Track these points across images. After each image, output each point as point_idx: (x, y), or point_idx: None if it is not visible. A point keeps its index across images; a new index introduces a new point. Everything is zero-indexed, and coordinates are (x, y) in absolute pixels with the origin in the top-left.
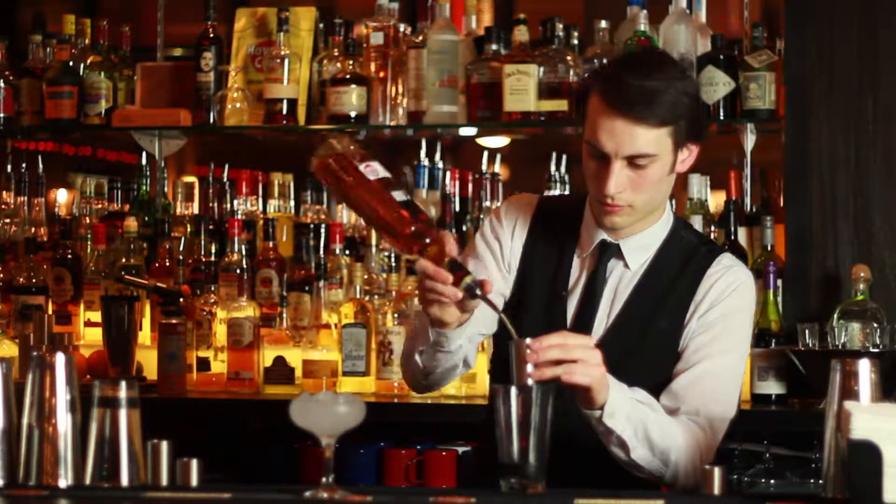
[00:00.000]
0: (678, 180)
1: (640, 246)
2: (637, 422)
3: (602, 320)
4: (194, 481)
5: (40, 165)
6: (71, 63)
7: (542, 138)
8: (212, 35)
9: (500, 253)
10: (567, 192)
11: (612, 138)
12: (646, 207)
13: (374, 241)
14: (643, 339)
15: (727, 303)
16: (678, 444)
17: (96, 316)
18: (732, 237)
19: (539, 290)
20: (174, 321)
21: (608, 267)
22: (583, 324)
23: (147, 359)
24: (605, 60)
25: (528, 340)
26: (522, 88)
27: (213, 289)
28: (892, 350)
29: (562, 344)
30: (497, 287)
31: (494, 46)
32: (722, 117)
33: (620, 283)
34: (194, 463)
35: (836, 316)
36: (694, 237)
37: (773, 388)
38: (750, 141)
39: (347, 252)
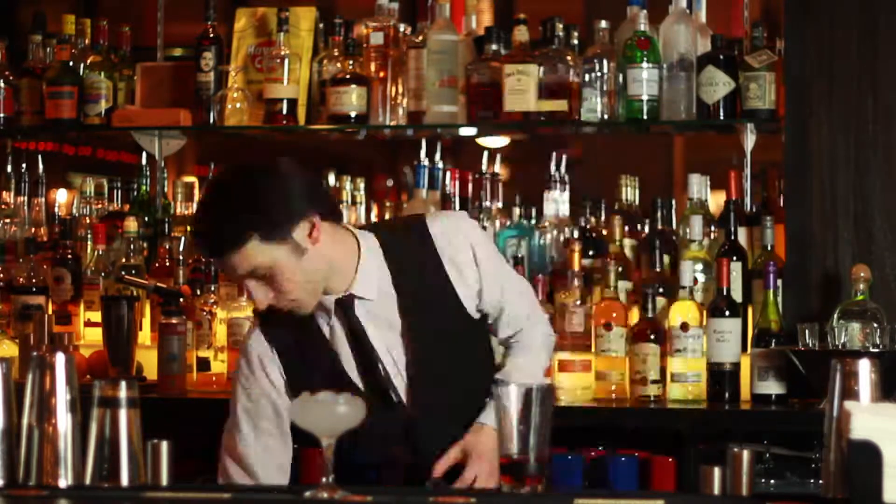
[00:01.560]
0: (678, 180)
1: (370, 277)
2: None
3: (389, 359)
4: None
5: (40, 165)
6: (71, 63)
7: (542, 138)
8: (212, 35)
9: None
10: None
11: (224, 270)
12: (312, 292)
13: None
14: (442, 331)
15: (467, 250)
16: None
17: (96, 316)
18: (732, 237)
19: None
20: (174, 321)
21: (359, 315)
22: (376, 379)
23: (147, 359)
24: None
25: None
26: (522, 88)
27: (213, 289)
28: (892, 350)
29: (488, 472)
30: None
31: (494, 46)
32: (722, 117)
33: (386, 312)
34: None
35: (836, 316)
36: (397, 230)
37: (773, 388)
38: (750, 141)
39: None
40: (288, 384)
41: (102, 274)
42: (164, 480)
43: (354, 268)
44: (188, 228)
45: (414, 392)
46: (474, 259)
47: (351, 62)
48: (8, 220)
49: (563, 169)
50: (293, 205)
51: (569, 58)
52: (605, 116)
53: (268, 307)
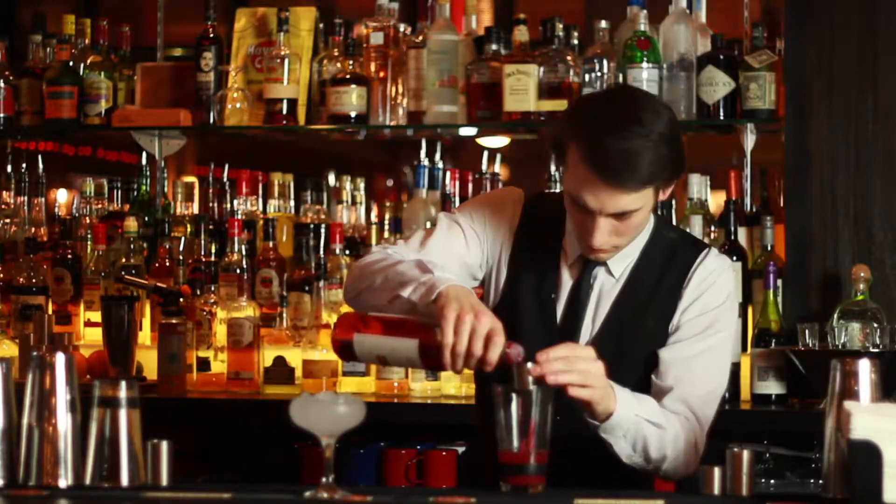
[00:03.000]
0: (679, 180)
1: (622, 255)
2: (636, 437)
3: (588, 326)
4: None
5: (40, 165)
6: (71, 63)
7: (542, 138)
8: (212, 35)
9: (484, 242)
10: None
11: (595, 199)
12: (634, 239)
13: (374, 241)
14: (630, 341)
15: (706, 298)
16: (673, 451)
17: (96, 316)
18: (732, 237)
19: (529, 293)
20: (174, 321)
21: (592, 275)
22: (570, 329)
23: (147, 359)
24: (582, 109)
25: (527, 355)
26: (522, 88)
27: (213, 289)
28: (892, 350)
29: (565, 356)
30: (472, 261)
31: (494, 46)
32: (722, 117)
33: (604, 289)
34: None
35: (836, 316)
36: (675, 235)
37: (773, 388)
38: (750, 141)
39: (347, 252)
40: (505, 259)
41: (102, 274)
42: (164, 480)
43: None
44: (187, 228)
45: None
46: (705, 313)
47: (351, 62)
48: (8, 220)
49: (563, 169)
50: (684, 162)
51: (569, 58)
52: None
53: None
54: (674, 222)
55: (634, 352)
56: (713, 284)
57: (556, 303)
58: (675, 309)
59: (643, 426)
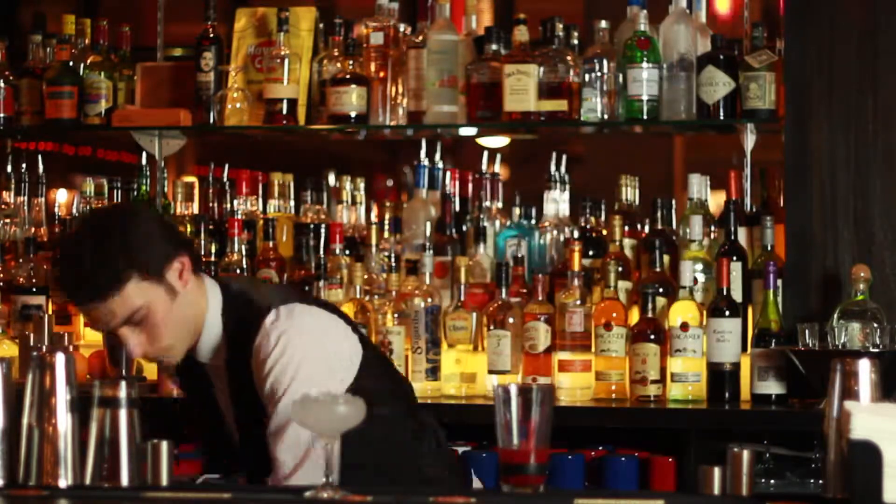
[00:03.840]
0: (679, 180)
1: (207, 347)
2: None
3: (231, 413)
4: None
5: (40, 165)
6: (71, 63)
7: (542, 138)
8: (212, 35)
9: None
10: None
11: (99, 322)
12: (183, 339)
13: (374, 241)
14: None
15: (265, 356)
16: None
17: None
18: (732, 237)
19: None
20: None
21: (201, 368)
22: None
23: None
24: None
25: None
26: (522, 88)
27: None
28: (892, 350)
29: None
30: None
31: (494, 46)
32: (722, 117)
33: (218, 378)
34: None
35: (836, 316)
36: (243, 307)
37: (773, 388)
38: (750, 141)
39: (347, 252)
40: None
41: None
42: (164, 480)
43: (202, 323)
44: (187, 228)
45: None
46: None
47: (351, 62)
48: (8, 220)
49: (563, 169)
50: (164, 243)
51: (569, 58)
52: (605, 116)
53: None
54: (673, 223)
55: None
56: (263, 342)
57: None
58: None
59: None
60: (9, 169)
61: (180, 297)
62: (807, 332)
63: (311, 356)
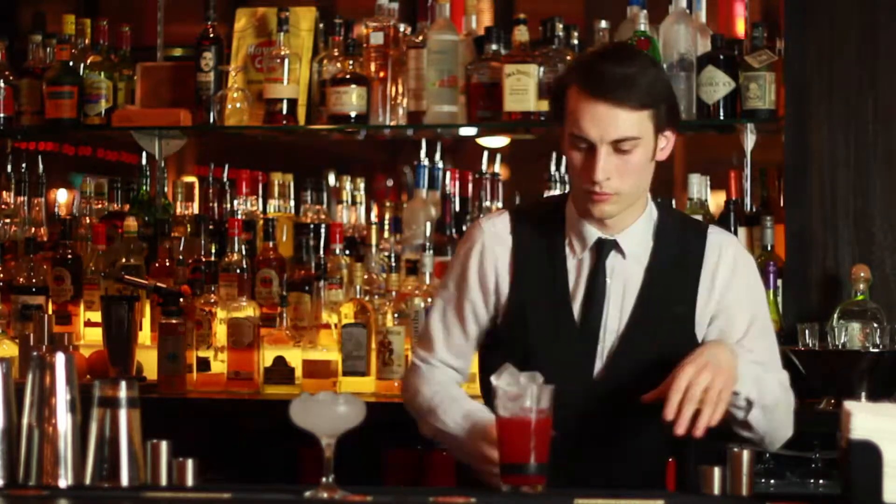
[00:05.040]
0: (678, 180)
1: (636, 238)
2: (757, 382)
3: (615, 316)
4: (190, 481)
5: (40, 165)
6: (71, 63)
7: (542, 138)
8: (212, 35)
9: (493, 287)
10: (538, 199)
11: (596, 124)
12: (631, 195)
13: (374, 241)
14: (661, 328)
15: (736, 285)
16: (782, 401)
17: (96, 316)
18: None
19: (540, 298)
20: (174, 321)
21: (608, 264)
22: (591, 324)
23: (147, 359)
24: (578, 59)
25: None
26: (522, 88)
27: (213, 289)
28: (892, 350)
29: (688, 396)
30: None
31: (494, 46)
32: (722, 117)
33: (627, 276)
34: (190, 463)
35: (836, 316)
36: (677, 219)
37: None
38: (750, 141)
39: (347, 252)
40: (511, 282)
41: (102, 274)
42: (164, 480)
43: (641, 222)
44: (187, 228)
45: (610, 364)
46: (730, 282)
47: (351, 62)
48: (8, 220)
49: (563, 169)
50: (678, 112)
51: (569, 58)
52: None
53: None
54: None
55: (664, 339)
56: (735, 258)
57: (571, 303)
58: (699, 300)
59: (757, 369)
60: (9, 169)
61: (652, 165)
62: (807, 332)
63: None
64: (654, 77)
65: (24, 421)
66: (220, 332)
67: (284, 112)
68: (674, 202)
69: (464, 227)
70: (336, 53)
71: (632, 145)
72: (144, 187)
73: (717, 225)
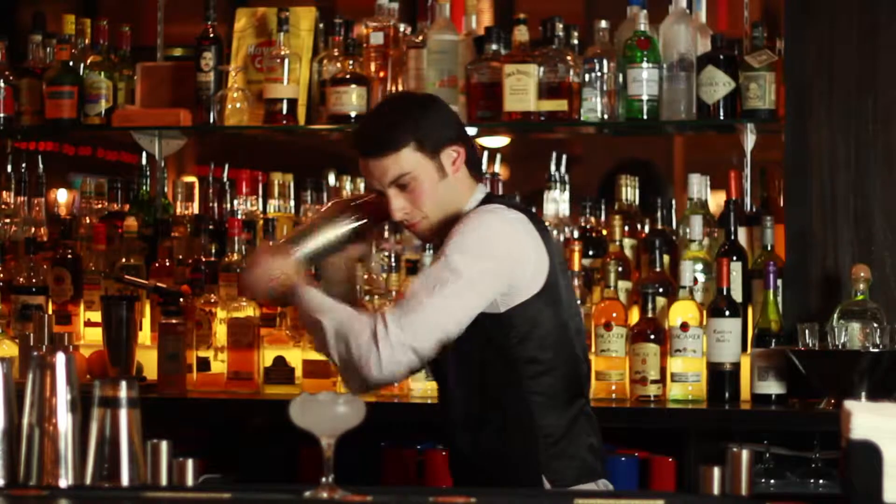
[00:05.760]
0: (678, 180)
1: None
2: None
3: None
4: (190, 481)
5: (40, 165)
6: (71, 63)
7: (542, 138)
8: (212, 35)
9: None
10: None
11: (373, 178)
12: (440, 214)
13: (373, 241)
14: None
15: (457, 232)
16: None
17: (96, 316)
18: (732, 237)
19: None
20: (174, 321)
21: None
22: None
23: (147, 359)
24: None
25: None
26: (522, 88)
27: (213, 289)
28: (892, 350)
29: None
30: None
31: (494, 46)
32: (722, 117)
33: None
34: (190, 462)
35: (836, 316)
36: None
37: (773, 388)
38: (750, 141)
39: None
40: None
41: (102, 274)
42: (164, 480)
43: (455, 213)
44: (187, 228)
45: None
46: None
47: (351, 62)
48: (8, 220)
49: (563, 169)
50: (447, 128)
51: (569, 58)
52: (605, 116)
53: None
54: (673, 223)
55: None
56: (465, 220)
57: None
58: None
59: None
60: (9, 169)
61: (448, 180)
62: (807, 332)
63: (485, 246)
64: (400, 119)
65: (25, 421)
66: (220, 332)
67: (284, 112)
68: (674, 202)
69: None
70: (336, 53)
71: (408, 179)
72: (144, 187)
73: (717, 225)
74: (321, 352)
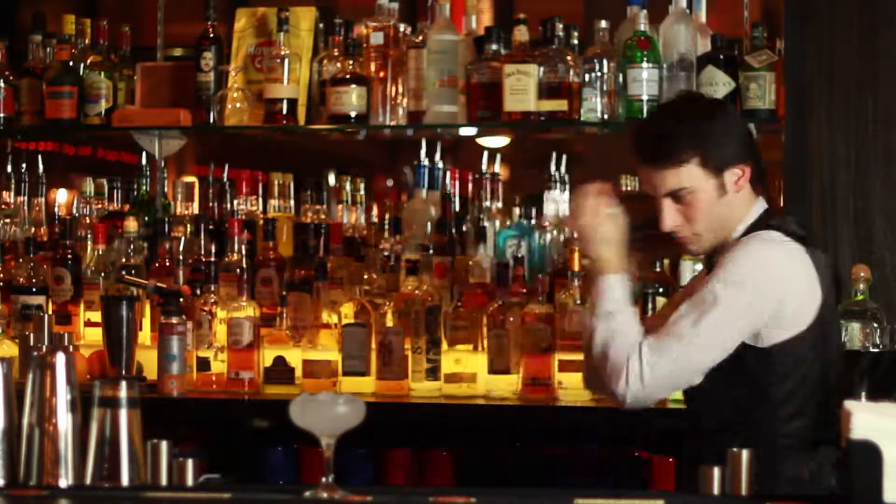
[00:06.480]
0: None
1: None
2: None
3: None
4: (190, 481)
5: (40, 165)
6: (71, 63)
7: (542, 138)
8: (212, 35)
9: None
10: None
11: (648, 184)
12: (712, 232)
13: (374, 241)
14: None
15: (727, 260)
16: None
17: (96, 316)
18: None
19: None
20: (174, 321)
21: None
22: None
23: (147, 359)
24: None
25: None
26: (522, 88)
27: (213, 289)
28: (892, 350)
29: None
30: None
31: (494, 46)
32: None
33: None
34: (190, 462)
35: None
36: (765, 224)
37: None
38: None
39: (347, 252)
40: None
41: (102, 274)
42: (164, 480)
43: (732, 229)
44: (187, 228)
45: None
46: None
47: (351, 62)
48: (8, 220)
49: (563, 169)
50: (736, 146)
51: (569, 58)
52: (605, 116)
53: None
54: None
55: None
56: (733, 253)
57: None
58: None
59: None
60: (9, 169)
61: (728, 198)
62: None
63: (754, 277)
64: (691, 128)
65: (25, 421)
66: (220, 332)
67: (284, 112)
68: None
69: (463, 228)
70: (336, 53)
71: (686, 193)
72: (144, 187)
73: None
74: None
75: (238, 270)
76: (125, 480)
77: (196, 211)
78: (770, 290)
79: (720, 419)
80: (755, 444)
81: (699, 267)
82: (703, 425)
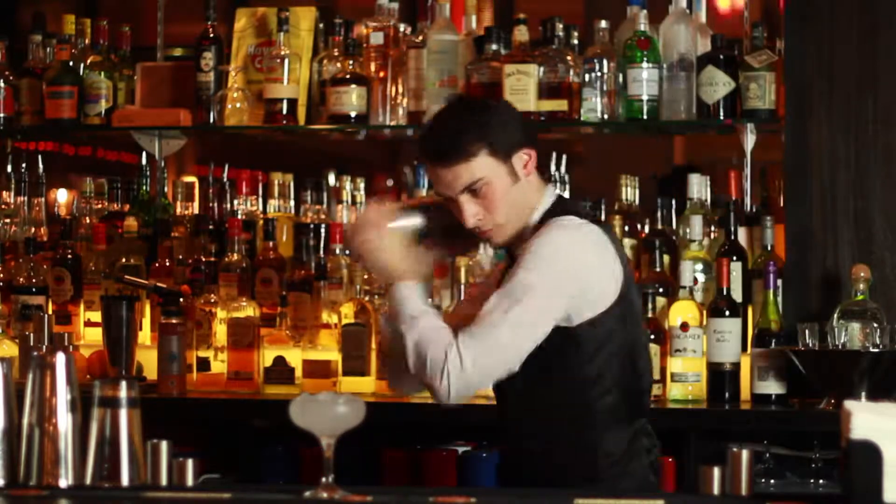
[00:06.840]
0: (680, 182)
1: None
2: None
3: None
4: (190, 481)
5: (40, 165)
6: (71, 63)
7: (542, 138)
8: (212, 35)
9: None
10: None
11: (443, 185)
12: (513, 219)
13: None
14: None
15: (531, 247)
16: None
17: (96, 316)
18: (732, 237)
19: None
20: (174, 321)
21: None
22: None
23: (147, 359)
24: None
25: None
26: (522, 88)
27: (213, 289)
28: (892, 350)
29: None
30: None
31: (494, 46)
32: (722, 117)
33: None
34: (190, 462)
35: (836, 316)
36: (561, 210)
37: (773, 388)
38: (750, 141)
39: (347, 252)
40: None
41: (102, 274)
42: (164, 480)
43: (528, 217)
44: (187, 228)
45: None
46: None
47: (351, 62)
48: (8, 220)
49: (563, 169)
50: (517, 131)
51: (569, 58)
52: (605, 116)
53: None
54: (673, 223)
55: None
56: (536, 239)
57: None
58: None
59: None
60: (9, 169)
61: (521, 184)
62: (807, 332)
63: (559, 262)
64: (470, 123)
65: (25, 421)
66: (220, 332)
67: (284, 112)
68: (673, 202)
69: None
70: (336, 53)
71: (481, 185)
72: (144, 187)
73: (716, 225)
74: (388, 349)
75: (238, 270)
76: (125, 480)
77: (196, 211)
78: (576, 271)
79: (535, 405)
80: (571, 422)
81: (700, 266)
82: (520, 413)
